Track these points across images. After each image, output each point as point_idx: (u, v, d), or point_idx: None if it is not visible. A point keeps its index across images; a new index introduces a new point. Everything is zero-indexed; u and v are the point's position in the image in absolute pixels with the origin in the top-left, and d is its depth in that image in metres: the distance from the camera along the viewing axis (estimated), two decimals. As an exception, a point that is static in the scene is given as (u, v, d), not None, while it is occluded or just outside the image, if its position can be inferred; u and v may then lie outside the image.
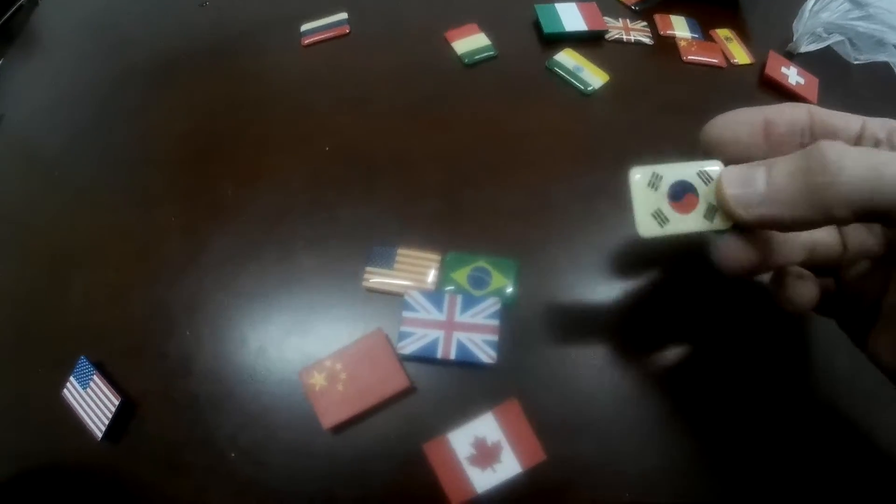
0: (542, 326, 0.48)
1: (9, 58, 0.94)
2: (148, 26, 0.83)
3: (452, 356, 0.45)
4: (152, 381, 0.49)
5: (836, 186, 0.28)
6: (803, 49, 0.71)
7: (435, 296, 0.48)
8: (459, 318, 0.46)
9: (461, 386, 0.46)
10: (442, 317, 0.46)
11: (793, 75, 0.68)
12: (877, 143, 0.35)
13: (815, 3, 0.72)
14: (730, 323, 0.48)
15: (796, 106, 0.37)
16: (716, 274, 0.39)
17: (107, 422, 0.46)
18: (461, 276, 0.49)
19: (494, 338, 0.45)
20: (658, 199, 0.36)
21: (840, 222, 0.29)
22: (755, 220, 0.31)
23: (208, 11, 0.82)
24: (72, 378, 0.49)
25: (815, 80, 0.68)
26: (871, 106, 0.66)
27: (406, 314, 0.47)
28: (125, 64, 0.78)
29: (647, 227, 0.36)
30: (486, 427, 0.42)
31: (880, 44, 0.70)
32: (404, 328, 0.46)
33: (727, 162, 0.35)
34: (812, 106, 0.37)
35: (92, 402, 0.48)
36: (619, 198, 0.54)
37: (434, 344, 0.45)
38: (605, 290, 0.50)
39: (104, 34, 0.86)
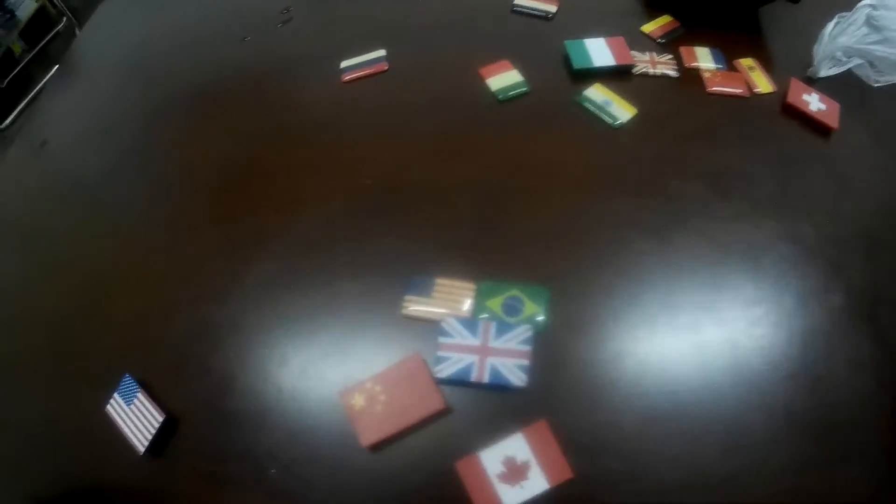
0: (571, 351, 0.50)
1: (51, 84, 0.98)
2: (190, 59, 0.87)
3: (486, 380, 0.47)
4: (194, 398, 0.51)
5: None
6: (823, 73, 0.72)
7: (470, 322, 0.50)
8: (493, 343, 0.48)
9: (493, 407, 0.47)
10: (477, 342, 0.48)
11: (814, 102, 0.68)
12: None
13: (833, 28, 0.73)
14: (751, 346, 0.50)
15: None
16: (735, 302, 0.42)
17: (150, 437, 0.48)
18: (495, 303, 0.51)
19: (526, 362, 0.47)
20: None
21: None
22: None
23: (249, 46, 0.85)
24: (116, 395, 0.51)
25: (836, 106, 0.69)
26: (892, 128, 0.68)
27: (442, 339, 0.49)
28: (167, 94, 0.82)
29: None
30: (515, 446, 0.44)
31: None
32: (441, 353, 0.48)
33: None
34: None
35: (136, 417, 0.50)
36: (646, 225, 0.56)
37: (469, 368, 0.47)
38: (632, 316, 0.52)
39: (145, 65, 0.89)
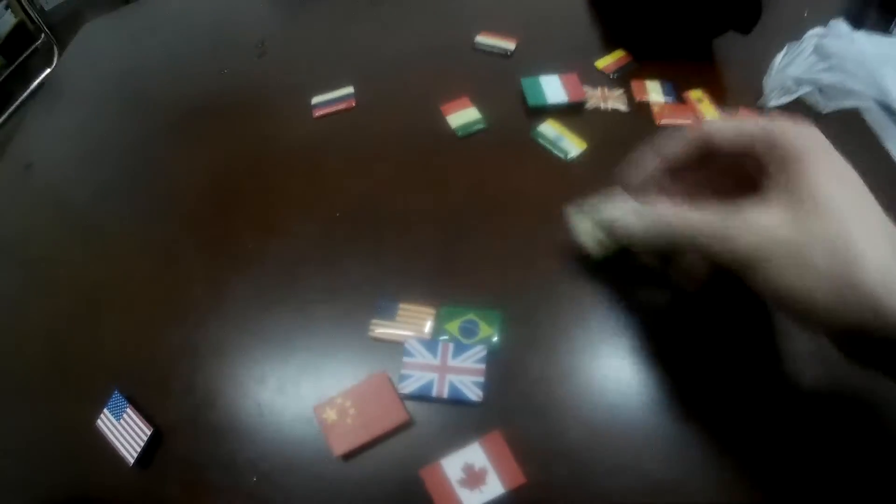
0: (522, 368, 0.54)
1: (34, 107, 1.00)
2: (171, 87, 0.91)
3: (445, 395, 0.52)
4: (179, 413, 0.55)
5: (660, 234, 0.47)
6: (773, 103, 0.74)
7: (430, 343, 0.55)
8: (451, 362, 0.53)
9: (452, 419, 0.52)
10: (436, 361, 0.54)
11: None
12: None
13: (783, 58, 0.76)
14: (693, 353, 0.53)
15: (689, 144, 0.51)
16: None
17: (139, 449, 0.52)
18: (453, 326, 0.56)
19: (481, 379, 0.52)
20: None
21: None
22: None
23: (228, 78, 0.90)
24: (105, 410, 0.55)
25: None
26: (842, 151, 0.69)
27: (406, 359, 0.54)
28: (150, 121, 0.86)
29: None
30: (473, 454, 0.49)
31: (848, 91, 0.73)
32: (404, 371, 0.53)
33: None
34: (711, 135, 0.49)
35: (125, 431, 0.53)
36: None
37: (430, 385, 0.52)
38: (577, 334, 0.56)
39: (128, 91, 0.93)
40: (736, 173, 0.48)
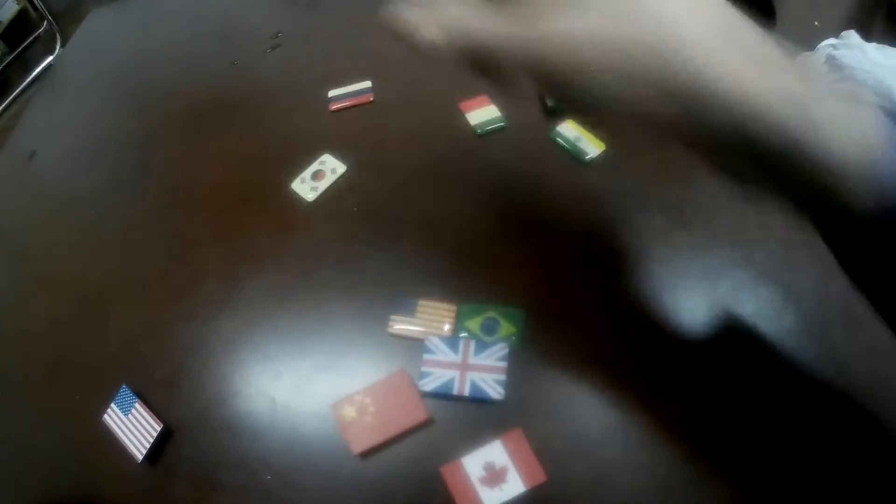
0: (543, 365, 0.54)
1: (36, 95, 0.99)
2: (180, 78, 0.90)
3: (466, 393, 0.51)
4: (189, 410, 0.55)
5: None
6: None
7: (451, 341, 0.54)
8: (472, 360, 0.52)
9: (473, 417, 0.51)
10: (457, 359, 0.53)
11: None
12: None
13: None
14: (711, 353, 0.53)
15: None
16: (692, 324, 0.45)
17: (148, 445, 0.51)
18: (474, 324, 0.55)
19: (503, 377, 0.51)
20: None
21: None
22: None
23: (239, 69, 0.89)
24: (113, 405, 0.54)
25: None
26: None
27: (426, 356, 0.53)
28: (158, 113, 0.84)
29: None
30: (494, 452, 0.48)
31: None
32: (425, 368, 0.53)
33: None
34: None
35: (133, 426, 0.52)
36: (611, 254, 0.61)
37: (451, 382, 0.51)
38: (598, 336, 0.55)
39: (135, 81, 0.92)
40: None
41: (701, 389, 0.51)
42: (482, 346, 0.53)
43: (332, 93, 0.80)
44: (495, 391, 0.51)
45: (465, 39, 0.39)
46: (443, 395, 0.52)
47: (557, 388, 0.53)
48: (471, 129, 0.73)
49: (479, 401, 0.51)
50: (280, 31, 0.93)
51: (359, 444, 0.49)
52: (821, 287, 0.58)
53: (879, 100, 0.70)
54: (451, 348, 0.53)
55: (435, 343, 0.54)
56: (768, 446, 0.48)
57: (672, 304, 0.57)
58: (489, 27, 0.37)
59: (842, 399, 0.50)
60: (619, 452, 0.49)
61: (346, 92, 0.80)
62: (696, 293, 0.58)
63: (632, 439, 0.49)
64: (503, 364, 0.52)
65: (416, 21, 0.40)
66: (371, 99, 0.79)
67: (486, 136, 0.73)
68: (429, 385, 0.52)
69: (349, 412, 0.50)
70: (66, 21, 2.04)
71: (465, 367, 0.52)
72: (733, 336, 0.54)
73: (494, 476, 0.47)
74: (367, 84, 0.81)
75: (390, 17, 0.39)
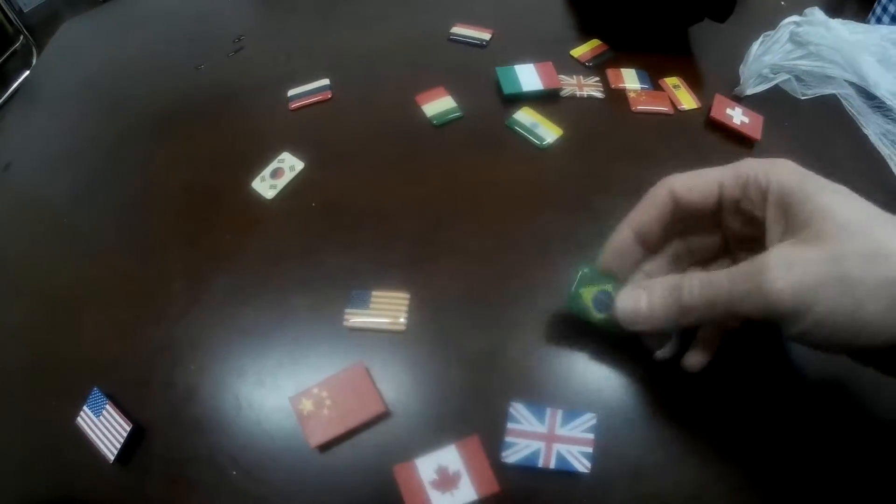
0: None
1: (12, 107, 1.00)
2: (149, 85, 0.91)
3: (552, 465, 0.48)
4: (159, 408, 0.55)
5: (688, 311, 0.42)
6: (750, 91, 0.75)
7: (537, 409, 0.51)
8: (559, 430, 0.50)
9: (431, 415, 0.52)
10: (544, 429, 0.50)
11: (737, 115, 0.72)
12: (738, 204, 0.45)
13: (758, 48, 0.77)
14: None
15: (656, 205, 0.49)
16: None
17: (119, 445, 0.52)
18: (588, 294, 0.52)
19: (590, 450, 0.49)
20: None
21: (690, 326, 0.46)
22: (637, 331, 0.47)
23: (203, 75, 0.90)
24: (85, 407, 0.55)
25: (759, 118, 0.72)
26: (820, 137, 0.72)
27: (511, 425, 0.50)
28: (128, 120, 0.85)
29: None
30: (448, 457, 0.48)
31: (826, 78, 0.74)
32: (509, 438, 0.49)
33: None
34: (673, 187, 0.48)
35: (105, 428, 0.53)
36: (571, 241, 0.62)
37: (536, 454, 0.48)
38: (553, 322, 0.56)
39: (105, 91, 0.93)
40: (706, 237, 0.49)
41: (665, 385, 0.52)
42: (569, 417, 0.50)
43: (291, 92, 0.81)
44: (582, 464, 0.48)
45: (688, 301, 0.43)
46: (527, 467, 0.48)
47: (515, 384, 0.53)
48: (428, 121, 0.74)
49: (563, 473, 0.49)
50: (242, 35, 0.94)
51: (315, 437, 0.50)
52: None
53: (848, 75, 0.72)
54: (538, 417, 0.50)
55: (520, 411, 0.51)
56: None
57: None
58: (710, 280, 0.41)
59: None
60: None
61: (304, 90, 0.81)
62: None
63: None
64: (590, 436, 0.49)
65: (629, 301, 0.47)
66: (329, 96, 0.80)
67: (443, 127, 0.74)
68: (512, 457, 0.49)
69: (307, 405, 0.51)
70: (42, 34, 2.05)
71: (551, 438, 0.49)
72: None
73: (447, 480, 0.47)
74: (326, 82, 0.81)
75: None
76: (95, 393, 0.55)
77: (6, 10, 2.10)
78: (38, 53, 2.10)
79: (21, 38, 2.17)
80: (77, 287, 0.67)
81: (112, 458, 0.52)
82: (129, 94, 0.90)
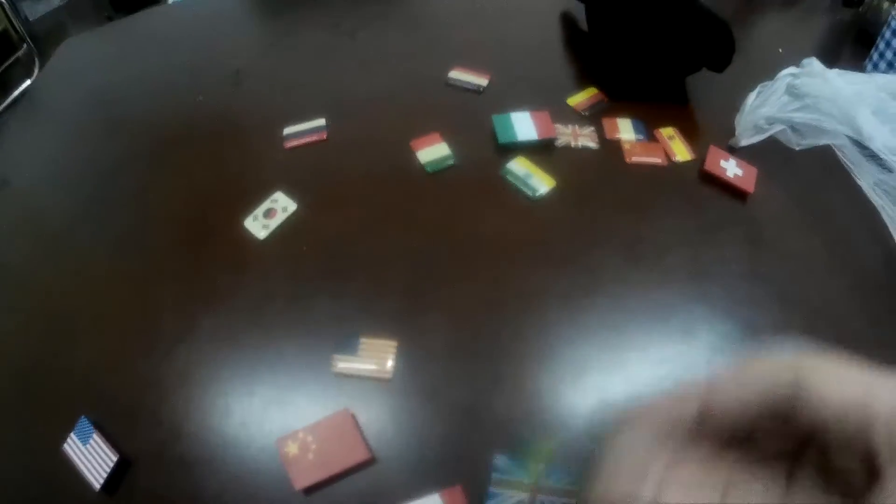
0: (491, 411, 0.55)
1: (10, 122, 1.00)
2: (149, 109, 0.92)
3: None
4: (146, 442, 0.56)
5: None
6: (745, 142, 0.76)
7: (521, 462, 0.51)
8: (544, 482, 0.50)
9: (415, 463, 0.53)
10: (529, 481, 0.50)
11: (731, 168, 0.73)
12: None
13: (755, 99, 0.77)
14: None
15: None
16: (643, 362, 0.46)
17: (105, 475, 0.53)
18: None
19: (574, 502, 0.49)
20: None
21: None
22: None
23: (204, 105, 0.91)
24: (73, 435, 0.56)
25: (753, 170, 0.73)
26: (813, 188, 0.73)
27: (495, 476, 0.50)
28: (124, 143, 0.86)
29: None
30: None
31: (822, 130, 0.73)
32: (493, 489, 0.50)
33: None
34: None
35: (91, 457, 0.54)
36: (561, 294, 0.63)
37: None
38: (543, 379, 0.57)
39: (105, 111, 0.94)
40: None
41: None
42: (554, 469, 0.50)
43: (287, 130, 0.82)
44: None
45: None
46: None
47: (500, 434, 0.54)
48: (421, 167, 0.75)
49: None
50: (241, 68, 0.96)
51: (301, 480, 0.51)
52: (780, 319, 0.60)
53: (843, 128, 0.72)
54: (522, 469, 0.51)
55: (504, 462, 0.51)
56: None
57: (620, 342, 0.59)
58: None
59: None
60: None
61: (300, 130, 0.82)
62: (645, 330, 0.60)
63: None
64: (576, 489, 0.49)
65: None
66: (325, 137, 0.81)
67: (436, 175, 0.75)
68: None
69: (292, 448, 0.52)
70: (46, 44, 2.05)
71: (536, 490, 0.50)
72: (689, 371, 0.56)
73: (430, 531, 0.47)
74: (322, 122, 0.82)
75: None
76: (83, 421, 0.56)
77: (12, 17, 2.10)
78: (41, 63, 2.10)
79: (24, 46, 2.17)
80: (70, 310, 0.67)
81: (98, 486, 0.52)
82: (128, 117, 0.91)
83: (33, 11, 2.72)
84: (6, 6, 2.11)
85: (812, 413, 0.25)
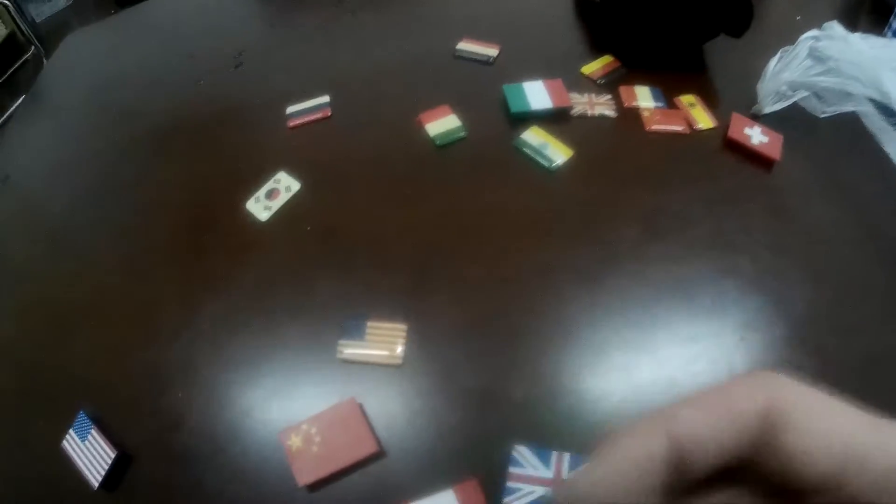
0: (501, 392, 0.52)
1: (15, 116, 0.99)
2: (150, 98, 0.90)
3: None
4: (146, 435, 0.54)
5: None
6: (768, 109, 0.73)
7: (543, 453, 0.48)
8: (567, 475, 0.46)
9: (427, 456, 0.50)
10: (549, 474, 0.47)
11: (756, 135, 0.69)
12: None
13: (776, 64, 0.74)
14: (690, 383, 0.51)
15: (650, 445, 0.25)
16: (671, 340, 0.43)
17: (104, 472, 0.50)
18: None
19: None
20: None
21: None
22: None
23: (204, 89, 0.89)
24: (71, 431, 0.54)
25: (779, 137, 0.70)
26: (840, 156, 0.70)
27: (513, 469, 0.47)
28: (127, 134, 0.84)
29: None
30: (446, 501, 0.46)
31: (846, 95, 0.70)
32: (511, 483, 0.47)
33: None
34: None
35: (90, 453, 0.52)
36: (578, 270, 0.59)
37: (541, 501, 0.46)
38: (564, 359, 0.54)
39: (108, 103, 0.92)
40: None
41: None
42: (577, 461, 0.47)
43: (290, 109, 0.80)
44: None
45: None
46: None
47: (520, 417, 0.51)
48: (430, 141, 0.72)
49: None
50: (243, 50, 0.94)
51: (304, 475, 0.48)
52: (809, 293, 0.57)
53: (869, 91, 0.69)
54: (542, 461, 0.47)
55: (523, 454, 0.48)
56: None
57: (644, 320, 0.56)
58: None
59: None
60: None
61: (304, 108, 0.80)
62: (671, 307, 0.57)
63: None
64: None
65: None
66: (329, 114, 0.78)
67: (446, 148, 0.72)
68: (515, 503, 0.46)
69: (295, 441, 0.49)
70: (53, 45, 2.06)
71: (558, 483, 0.46)
72: (717, 351, 0.53)
73: (444, 528, 0.44)
74: (326, 99, 0.80)
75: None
76: (81, 416, 0.54)
77: (18, 20, 2.11)
78: (48, 63, 2.12)
79: (32, 48, 2.18)
80: (70, 303, 0.66)
81: (96, 484, 0.50)
82: (129, 108, 0.89)
83: (39, 13, 2.73)
84: (11, 9, 2.10)
85: (782, 461, 0.22)
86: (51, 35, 2.18)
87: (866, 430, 0.21)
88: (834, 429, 0.21)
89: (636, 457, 0.23)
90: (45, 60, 2.12)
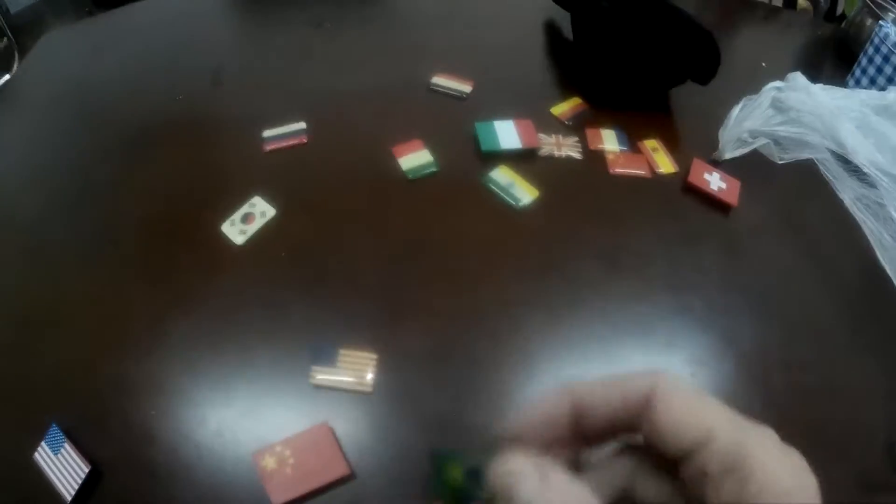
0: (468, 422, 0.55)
1: None
2: (126, 106, 0.90)
3: None
4: (117, 449, 0.55)
5: None
6: (728, 155, 0.76)
7: None
8: None
9: (396, 479, 0.52)
10: None
11: (715, 181, 0.73)
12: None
13: (740, 112, 0.77)
14: None
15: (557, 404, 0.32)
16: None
17: (76, 487, 0.51)
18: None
19: None
20: None
21: None
22: None
23: (183, 104, 0.89)
24: (43, 443, 0.54)
25: (736, 183, 0.73)
26: (796, 201, 0.74)
27: None
28: (101, 139, 0.84)
29: None
30: None
31: (805, 143, 0.74)
32: None
33: None
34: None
35: (63, 467, 0.53)
36: (542, 304, 0.62)
37: None
38: (524, 389, 0.57)
39: (82, 107, 0.92)
40: None
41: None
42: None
43: (266, 133, 0.81)
44: None
45: None
46: None
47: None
48: (403, 173, 0.75)
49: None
50: (221, 66, 0.95)
51: (278, 495, 0.50)
52: (759, 330, 0.61)
53: (827, 142, 0.72)
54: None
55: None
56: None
57: (603, 354, 0.59)
58: None
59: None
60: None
61: (280, 133, 0.81)
62: (628, 342, 0.60)
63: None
64: None
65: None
66: (305, 140, 0.80)
67: (418, 181, 0.74)
68: None
69: (269, 462, 0.51)
70: (26, 38, 2.03)
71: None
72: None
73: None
74: (302, 126, 0.81)
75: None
76: (54, 429, 0.55)
77: (-7, 10, 2.08)
78: (20, 57, 2.07)
79: (5, 39, 2.14)
80: (41, 311, 0.66)
81: (69, 498, 0.51)
82: (105, 114, 0.89)
83: (14, 4, 2.69)
84: (-15, 0, 2.08)
85: (656, 433, 0.27)
86: (25, 28, 2.15)
87: (723, 418, 0.26)
88: (698, 414, 0.27)
89: (548, 412, 0.30)
90: (16, 53, 2.10)
